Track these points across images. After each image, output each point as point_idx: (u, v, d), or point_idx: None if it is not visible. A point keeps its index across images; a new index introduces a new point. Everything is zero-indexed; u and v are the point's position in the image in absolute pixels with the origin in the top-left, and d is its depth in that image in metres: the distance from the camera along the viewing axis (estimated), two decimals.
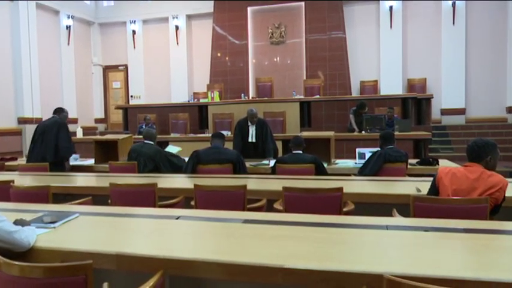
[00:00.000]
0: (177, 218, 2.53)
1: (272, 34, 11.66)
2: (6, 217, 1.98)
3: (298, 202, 2.94)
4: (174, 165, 4.97)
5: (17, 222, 2.14)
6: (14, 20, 10.66)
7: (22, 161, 6.46)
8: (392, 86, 10.73)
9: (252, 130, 5.79)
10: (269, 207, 3.33)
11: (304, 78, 11.06)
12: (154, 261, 1.86)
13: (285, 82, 11.28)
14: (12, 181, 3.73)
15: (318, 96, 9.37)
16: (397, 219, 2.61)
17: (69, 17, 12.38)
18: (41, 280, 1.54)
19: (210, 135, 5.35)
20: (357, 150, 5.15)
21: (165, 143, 8.05)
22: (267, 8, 11.70)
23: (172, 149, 5.79)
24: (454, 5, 10.47)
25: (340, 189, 2.95)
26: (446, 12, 10.63)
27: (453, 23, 10.53)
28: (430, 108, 9.24)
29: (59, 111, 5.60)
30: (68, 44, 12.46)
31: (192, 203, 3.32)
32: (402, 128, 7.04)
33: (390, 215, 2.86)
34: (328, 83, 10.85)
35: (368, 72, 11.29)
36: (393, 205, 3.04)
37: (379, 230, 2.20)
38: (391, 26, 10.99)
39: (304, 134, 5.60)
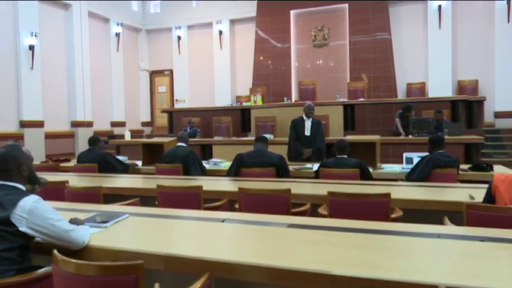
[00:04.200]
0: (223, 221, 2.56)
1: (315, 37, 11.57)
2: (62, 216, 2.08)
3: (343, 207, 2.89)
4: (203, 168, 5.15)
5: (72, 221, 2.24)
6: (68, 29, 11.27)
7: (75, 162, 6.78)
8: (441, 88, 10.32)
9: (308, 124, 5.88)
10: (313, 212, 3.29)
11: (348, 80, 10.88)
12: (201, 263, 1.88)
13: (328, 85, 11.14)
14: (67, 181, 3.93)
15: (362, 99, 9.18)
16: (450, 228, 2.49)
17: (118, 25, 12.91)
18: (95, 278, 1.60)
19: (253, 138, 5.41)
20: (404, 154, 4.99)
21: (209, 146, 8.21)
22: (309, 11, 11.63)
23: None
24: (509, 2, 9.93)
25: (388, 195, 2.86)
26: (500, 10, 10.09)
27: (508, 20, 9.98)
28: (482, 111, 8.80)
29: (96, 142, 5.62)
30: (117, 50, 12.99)
31: (236, 206, 3.35)
32: (452, 132, 6.75)
33: (440, 222, 2.74)
34: (372, 85, 10.60)
35: (415, 74, 10.93)
36: (444, 212, 2.91)
37: (430, 239, 2.11)
38: (439, 26, 10.59)
39: (348, 137, 5.51)
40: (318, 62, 11.69)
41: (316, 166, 4.80)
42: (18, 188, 2.05)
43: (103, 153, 5.54)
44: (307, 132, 5.98)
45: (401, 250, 1.98)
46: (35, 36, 9.85)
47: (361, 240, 2.12)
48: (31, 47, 9.78)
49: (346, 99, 9.28)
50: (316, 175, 4.44)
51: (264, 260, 1.82)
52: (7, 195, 1.97)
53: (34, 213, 1.94)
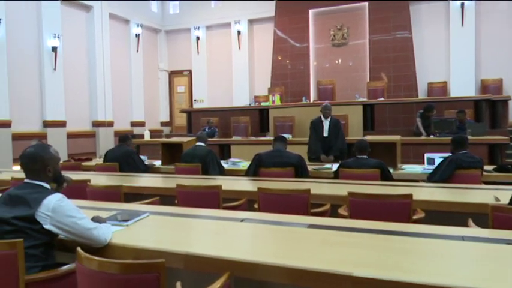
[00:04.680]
0: (242, 221, 2.56)
1: (334, 36, 11.48)
2: (85, 214, 2.12)
3: (364, 208, 2.85)
4: (221, 167, 5.17)
5: (94, 219, 2.28)
6: (89, 30, 11.48)
7: (96, 161, 6.91)
8: (463, 87, 10.08)
9: (325, 124, 5.85)
10: (333, 213, 3.27)
11: (368, 80, 10.75)
12: (221, 262, 1.88)
13: (347, 85, 11.04)
14: (89, 180, 3.99)
15: (382, 99, 9.06)
16: (475, 230, 2.44)
17: (138, 26, 13.08)
18: (117, 276, 1.62)
19: (271, 138, 5.41)
20: (426, 155, 4.90)
21: (227, 146, 8.24)
22: (328, 10, 11.54)
23: None
24: None
25: (410, 196, 2.82)
26: None
27: None
28: (507, 110, 8.57)
29: (126, 139, 5.95)
30: (137, 51, 13.15)
31: (255, 205, 3.34)
32: (475, 132, 6.59)
33: (464, 224, 2.68)
34: (392, 84, 10.44)
35: (436, 73, 10.72)
36: (468, 215, 2.85)
37: (454, 241, 2.07)
38: (462, 24, 10.36)
39: (368, 138, 5.44)
40: (336, 62, 11.59)
41: (335, 166, 4.76)
42: (43, 187, 2.10)
43: (130, 151, 5.79)
44: (325, 133, 5.97)
45: (424, 252, 1.94)
46: (58, 37, 10.06)
47: (382, 241, 2.09)
48: (54, 49, 10.00)
49: (365, 99, 9.17)
50: (336, 175, 4.40)
51: (284, 260, 1.81)
52: (32, 194, 2.02)
53: (58, 211, 1.98)
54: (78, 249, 1.75)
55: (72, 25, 10.95)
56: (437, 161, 4.42)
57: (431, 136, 7.02)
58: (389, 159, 4.84)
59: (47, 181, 2.14)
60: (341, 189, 3.57)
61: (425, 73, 10.73)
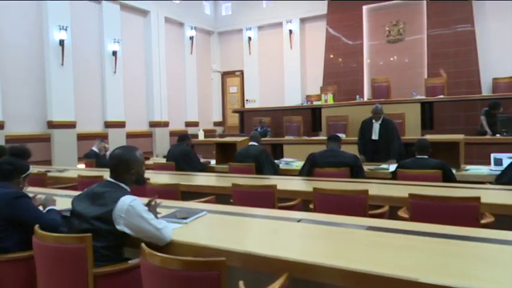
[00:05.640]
0: (299, 221, 2.53)
1: (389, 32, 11.10)
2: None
3: (426, 211, 2.72)
4: (276, 167, 5.16)
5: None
6: (146, 34, 11.95)
7: (153, 160, 7.17)
8: None
9: (375, 127, 5.63)
10: (391, 215, 3.15)
11: (425, 77, 10.29)
12: (280, 262, 1.87)
13: (403, 82, 10.62)
14: (148, 178, 4.14)
15: (441, 96, 8.63)
16: None
17: (192, 28, 13.42)
18: (179, 272, 1.65)
19: (324, 137, 5.33)
20: (492, 155, 4.59)
21: (280, 146, 8.24)
22: (383, 5, 11.19)
23: None
24: None
25: (477, 198, 2.65)
26: None
27: None
28: None
29: (185, 138, 6.21)
30: (191, 53, 13.50)
31: (311, 206, 3.30)
32: None
33: None
34: (452, 81, 9.90)
35: (502, 68, 10.02)
36: None
37: None
38: None
39: (428, 137, 5.19)
40: (391, 58, 11.21)
41: (392, 167, 4.60)
42: (122, 187, 2.21)
43: (187, 149, 6.05)
44: (375, 136, 5.68)
45: (497, 259, 1.81)
46: (118, 42, 10.57)
47: (449, 246, 1.98)
48: (114, 53, 10.51)
49: (423, 97, 8.79)
50: (394, 176, 4.25)
51: (344, 263, 1.77)
52: (111, 193, 2.13)
53: (131, 213, 2.06)
54: (143, 245, 1.82)
55: (131, 30, 11.46)
56: (506, 161, 4.14)
57: (498, 135, 6.59)
58: (451, 159, 4.58)
59: (127, 182, 2.24)
60: (400, 190, 3.44)
61: (490, 68, 10.08)
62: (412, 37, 10.85)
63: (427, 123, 8.10)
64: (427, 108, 8.17)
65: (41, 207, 2.57)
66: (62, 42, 9.16)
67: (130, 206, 2.06)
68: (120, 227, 2.06)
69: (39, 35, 9.10)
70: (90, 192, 2.21)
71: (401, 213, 3.00)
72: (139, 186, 3.98)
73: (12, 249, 2.28)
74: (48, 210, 2.54)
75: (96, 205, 2.11)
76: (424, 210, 2.74)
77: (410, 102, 8.30)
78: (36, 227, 2.13)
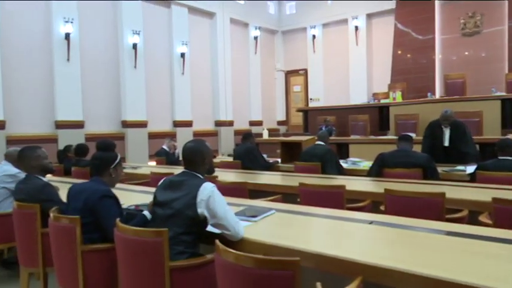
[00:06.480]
0: (370, 223, 2.45)
1: (464, 25, 10.42)
2: None
3: None
4: (340, 168, 5.03)
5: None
6: (212, 36, 12.28)
7: (220, 158, 7.35)
8: None
9: (446, 133, 5.24)
10: (471, 220, 2.95)
11: (506, 72, 9.51)
12: (353, 265, 1.82)
13: (481, 78, 9.90)
14: (216, 176, 4.25)
15: None
16: None
17: (256, 28, 13.55)
18: (252, 270, 1.66)
19: (393, 137, 5.11)
20: None
21: (345, 145, 8.05)
22: None
23: None
24: None
25: None
26: None
27: None
28: None
29: (249, 137, 6.29)
30: (255, 52, 13.65)
31: (382, 207, 3.19)
32: None
33: None
34: None
35: None
36: None
37: None
38: None
39: (511, 136, 4.80)
40: (466, 53, 10.52)
41: (469, 168, 4.30)
42: (199, 177, 2.33)
43: (251, 147, 6.13)
44: (446, 143, 5.21)
45: None
46: (186, 44, 10.96)
47: None
48: (182, 55, 10.92)
49: (504, 93, 8.13)
50: (472, 178, 3.97)
51: (422, 269, 1.68)
52: (190, 180, 2.26)
53: (213, 197, 2.18)
54: (217, 241, 1.85)
55: (198, 32, 11.83)
56: None
57: None
58: None
59: (202, 172, 2.37)
60: (480, 193, 3.21)
61: None
62: (491, 29, 10.10)
63: (508, 122, 7.48)
64: (508, 106, 7.55)
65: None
66: (135, 46, 9.69)
67: (212, 191, 2.18)
68: (201, 209, 2.16)
69: (114, 40, 9.70)
70: (168, 182, 2.36)
71: (483, 218, 2.79)
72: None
73: (99, 240, 2.45)
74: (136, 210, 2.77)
75: (178, 192, 2.24)
76: (510, 216, 2.53)
77: (489, 99, 7.72)
78: (117, 220, 2.27)
